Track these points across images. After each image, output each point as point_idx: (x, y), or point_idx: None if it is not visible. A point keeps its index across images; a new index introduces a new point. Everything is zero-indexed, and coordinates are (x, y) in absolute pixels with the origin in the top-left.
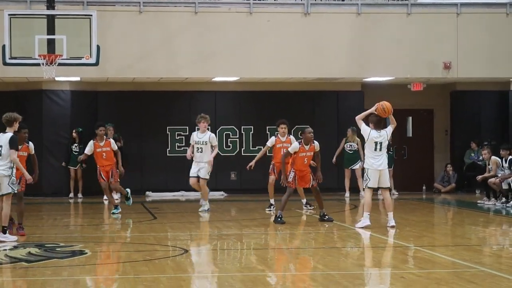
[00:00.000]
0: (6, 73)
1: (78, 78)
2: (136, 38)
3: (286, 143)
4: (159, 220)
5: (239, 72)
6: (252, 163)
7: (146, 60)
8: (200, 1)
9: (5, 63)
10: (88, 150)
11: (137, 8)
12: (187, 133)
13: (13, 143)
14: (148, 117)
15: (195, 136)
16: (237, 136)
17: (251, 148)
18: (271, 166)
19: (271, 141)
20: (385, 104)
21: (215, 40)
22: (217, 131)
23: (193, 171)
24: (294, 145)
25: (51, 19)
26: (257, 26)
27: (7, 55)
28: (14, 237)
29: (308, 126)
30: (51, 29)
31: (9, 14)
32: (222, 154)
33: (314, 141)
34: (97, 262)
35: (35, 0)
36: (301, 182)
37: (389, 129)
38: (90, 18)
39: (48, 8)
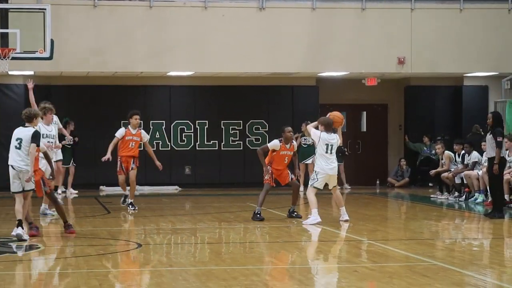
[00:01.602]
0: None
1: (31, 72)
2: (91, 32)
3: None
4: (112, 215)
5: (194, 66)
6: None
7: (100, 54)
8: None
9: None
10: None
11: (91, 2)
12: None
13: (35, 137)
14: (102, 112)
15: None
16: (192, 131)
17: (205, 143)
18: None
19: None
20: (336, 113)
21: (170, 35)
22: (172, 125)
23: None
24: (274, 142)
25: (4, 13)
26: (212, 21)
27: None
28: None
29: (287, 125)
30: (4, 23)
31: None
32: (176, 149)
33: (293, 140)
34: (50, 257)
35: None
36: (279, 179)
37: (339, 136)
38: (44, 12)
39: (1, 2)
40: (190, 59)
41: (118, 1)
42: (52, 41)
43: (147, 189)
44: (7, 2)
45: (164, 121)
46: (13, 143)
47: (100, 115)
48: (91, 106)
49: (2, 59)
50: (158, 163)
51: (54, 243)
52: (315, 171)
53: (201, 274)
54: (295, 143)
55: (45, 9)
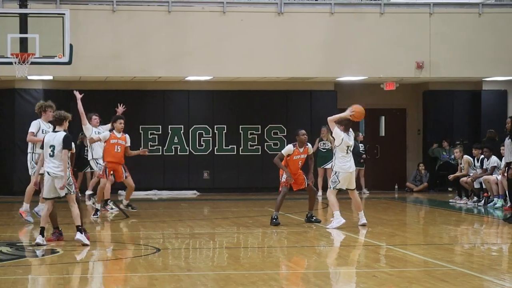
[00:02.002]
0: None
1: (50, 77)
2: (109, 37)
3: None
4: (131, 219)
5: (212, 71)
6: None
7: (119, 59)
8: (174, 0)
9: None
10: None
11: (110, 7)
12: (160, 132)
13: (67, 143)
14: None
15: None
16: (210, 135)
17: (224, 147)
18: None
19: (288, 149)
20: (360, 108)
21: (189, 39)
22: (190, 130)
23: None
24: (288, 148)
25: (23, 18)
26: (230, 26)
27: None
28: (87, 241)
29: (301, 128)
30: (23, 28)
31: None
32: (195, 153)
33: (308, 143)
34: (69, 261)
35: None
36: (294, 184)
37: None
38: (63, 17)
39: (20, 7)
40: (209, 64)
41: (136, 6)
42: (71, 46)
43: (165, 194)
44: (26, 7)
45: (182, 126)
46: (47, 150)
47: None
48: (110, 111)
49: (21, 64)
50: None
51: (72, 247)
52: (335, 172)
53: (220, 279)
54: (309, 146)
55: (64, 14)
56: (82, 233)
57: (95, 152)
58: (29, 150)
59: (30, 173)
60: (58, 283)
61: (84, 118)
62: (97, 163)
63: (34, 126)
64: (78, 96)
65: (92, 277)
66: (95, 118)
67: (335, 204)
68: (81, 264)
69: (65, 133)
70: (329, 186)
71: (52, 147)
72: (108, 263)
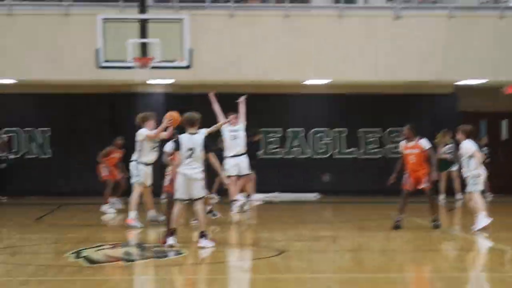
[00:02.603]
0: (100, 76)
1: (171, 81)
2: (228, 41)
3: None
4: (253, 221)
5: (331, 75)
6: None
7: (238, 63)
8: (291, 5)
9: (99, 66)
10: None
11: (228, 11)
12: (280, 135)
13: (207, 145)
14: None
15: None
16: (330, 139)
17: (343, 151)
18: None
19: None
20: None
21: (307, 43)
22: (310, 133)
23: None
24: (400, 143)
25: (144, 23)
26: (349, 29)
27: (101, 59)
28: (212, 243)
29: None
30: (144, 33)
31: (102, 19)
32: (315, 157)
33: (421, 138)
34: (194, 262)
35: (128, 5)
36: (414, 182)
37: None
38: (182, 22)
39: (140, 13)
40: (327, 68)
41: (254, 11)
42: (190, 50)
43: (287, 196)
44: (146, 13)
45: (302, 129)
46: (185, 153)
47: None
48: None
49: (142, 68)
50: None
51: (197, 249)
52: (475, 175)
53: (344, 281)
54: (422, 141)
55: (183, 18)
56: (205, 239)
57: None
58: (134, 157)
59: (132, 181)
60: (184, 284)
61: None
62: None
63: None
64: (213, 96)
65: (215, 279)
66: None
67: (481, 205)
68: (205, 266)
69: (203, 136)
70: (470, 189)
71: (191, 150)
72: (231, 265)
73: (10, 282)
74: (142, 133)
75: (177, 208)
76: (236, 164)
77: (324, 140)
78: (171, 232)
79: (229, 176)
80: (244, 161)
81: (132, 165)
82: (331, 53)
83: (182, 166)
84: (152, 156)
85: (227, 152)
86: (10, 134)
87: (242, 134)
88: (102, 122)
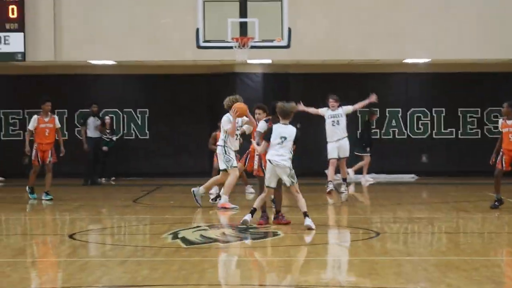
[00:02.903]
0: (200, 56)
1: (269, 61)
2: (327, 20)
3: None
4: (350, 203)
5: (430, 53)
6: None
7: (336, 42)
8: None
9: (199, 46)
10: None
11: None
12: (378, 115)
13: (298, 138)
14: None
15: None
16: (428, 119)
17: (442, 131)
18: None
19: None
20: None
21: (407, 20)
22: (408, 113)
23: None
24: (499, 122)
25: (243, 2)
26: (449, 4)
27: (201, 39)
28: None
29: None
30: (243, 12)
31: None
32: (413, 137)
33: None
34: (290, 244)
35: None
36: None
37: None
38: (281, 1)
39: None
40: (428, 46)
41: None
42: (289, 30)
43: (383, 177)
44: None
45: (400, 109)
46: (276, 140)
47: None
48: (328, 94)
49: (241, 48)
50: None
51: (292, 230)
52: None
53: (441, 264)
54: None
55: None
56: (309, 218)
57: None
58: (220, 142)
59: (223, 167)
60: (279, 265)
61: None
62: None
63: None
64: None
65: (313, 260)
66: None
67: None
68: (301, 247)
69: (296, 128)
70: None
71: (283, 138)
72: (329, 246)
73: (108, 262)
74: (226, 124)
75: (266, 194)
76: (336, 147)
77: (423, 120)
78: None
79: (330, 159)
80: (345, 144)
81: (220, 150)
82: (433, 30)
83: (270, 152)
84: (236, 143)
85: (329, 138)
86: (111, 115)
87: (343, 119)
88: (200, 103)
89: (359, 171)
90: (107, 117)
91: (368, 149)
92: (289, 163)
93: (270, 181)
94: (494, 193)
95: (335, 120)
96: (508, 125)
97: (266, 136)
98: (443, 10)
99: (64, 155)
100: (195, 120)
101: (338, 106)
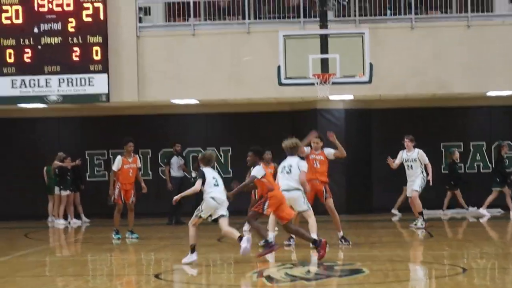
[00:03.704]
0: (282, 94)
1: (351, 97)
2: (409, 54)
3: None
4: (436, 238)
5: None
6: None
7: (419, 76)
8: (473, 14)
9: (280, 84)
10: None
11: (409, 24)
12: (462, 150)
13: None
14: (419, 134)
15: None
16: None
17: None
18: None
19: None
20: None
21: (489, 54)
22: (493, 146)
23: None
24: None
25: (324, 39)
26: None
27: (282, 76)
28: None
29: None
30: (324, 48)
31: (283, 35)
32: None
33: None
34: (376, 281)
35: (308, 21)
36: None
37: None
38: (362, 36)
39: (321, 28)
40: (510, 78)
41: (435, 22)
42: (370, 65)
43: (469, 212)
44: (326, 28)
45: (484, 143)
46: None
47: (418, 137)
48: (411, 129)
49: (323, 84)
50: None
51: (378, 267)
52: None
53: None
54: None
55: (363, 33)
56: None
57: None
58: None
59: (304, 208)
60: None
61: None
62: None
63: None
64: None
65: None
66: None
67: None
68: (386, 284)
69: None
70: None
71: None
72: (416, 283)
73: None
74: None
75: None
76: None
77: (509, 154)
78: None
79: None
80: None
81: (300, 193)
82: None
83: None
84: None
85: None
86: (194, 154)
87: (416, 163)
88: (283, 140)
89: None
90: (181, 160)
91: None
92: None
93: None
94: None
95: (408, 165)
96: None
97: None
98: None
99: (148, 194)
100: (278, 157)
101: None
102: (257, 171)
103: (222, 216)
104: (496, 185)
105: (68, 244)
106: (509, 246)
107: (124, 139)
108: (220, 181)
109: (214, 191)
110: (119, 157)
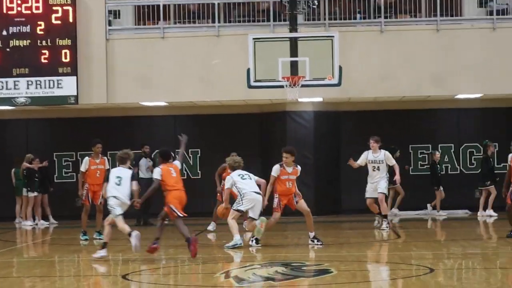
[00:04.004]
0: (251, 96)
1: (320, 99)
2: (378, 57)
3: None
4: (403, 239)
5: (482, 89)
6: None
7: (388, 79)
8: (442, 18)
9: (249, 86)
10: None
11: (378, 27)
12: (429, 151)
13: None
14: (388, 136)
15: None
16: (481, 154)
17: (496, 165)
18: None
19: None
20: None
21: (458, 57)
22: (461, 148)
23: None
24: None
25: (294, 42)
26: (501, 42)
27: (252, 78)
28: None
29: None
30: (294, 51)
31: (253, 38)
32: (466, 172)
33: None
34: (343, 281)
35: (278, 24)
36: None
37: None
38: (332, 40)
39: (291, 31)
40: (479, 82)
41: (404, 26)
42: (340, 68)
43: (437, 213)
44: (296, 31)
45: (452, 145)
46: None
47: (387, 139)
48: (379, 131)
49: (292, 87)
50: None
51: (345, 267)
52: None
53: None
54: None
55: (333, 36)
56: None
57: None
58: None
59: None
60: None
61: None
62: None
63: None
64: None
65: None
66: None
67: None
68: (354, 285)
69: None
70: None
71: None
72: (382, 283)
73: None
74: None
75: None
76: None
77: (476, 155)
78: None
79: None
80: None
81: None
82: (484, 66)
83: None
84: None
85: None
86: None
87: (382, 165)
88: (252, 142)
89: None
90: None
91: (488, 182)
92: None
93: None
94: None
95: (374, 166)
96: None
97: None
98: (496, 46)
99: None
100: (247, 159)
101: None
102: (157, 172)
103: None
104: (484, 185)
105: (36, 245)
106: (476, 246)
107: (93, 140)
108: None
109: (113, 190)
110: (86, 158)
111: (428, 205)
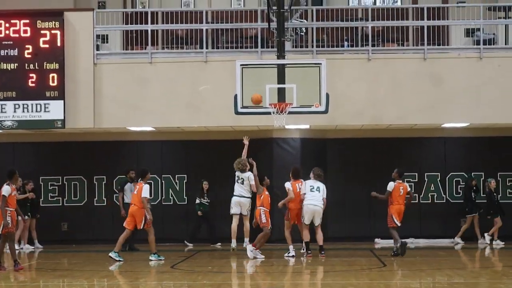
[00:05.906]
0: (238, 122)
1: (307, 126)
2: (365, 85)
3: None
4: (388, 268)
5: (469, 118)
6: None
7: (375, 107)
8: (430, 47)
9: (237, 112)
10: None
11: (365, 55)
12: (416, 180)
13: None
14: (375, 164)
15: None
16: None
17: (481, 195)
18: None
19: None
20: None
21: (445, 86)
22: (447, 177)
23: None
24: None
25: (281, 68)
26: (487, 71)
27: (239, 105)
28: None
29: None
30: (281, 78)
31: (241, 65)
32: (452, 201)
33: None
34: None
35: (266, 50)
36: None
37: None
38: (319, 67)
39: (278, 58)
40: (466, 110)
41: (392, 54)
42: (327, 95)
43: (422, 242)
44: (284, 58)
45: (439, 174)
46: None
47: (372, 167)
48: (366, 159)
49: (279, 114)
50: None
51: None
52: None
53: None
54: None
55: (320, 63)
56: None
57: None
58: None
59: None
60: None
61: None
62: None
63: None
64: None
65: None
66: None
67: None
68: None
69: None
70: None
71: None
72: None
73: None
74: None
75: None
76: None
77: (462, 184)
78: None
79: None
80: None
81: None
82: (471, 95)
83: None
84: None
85: None
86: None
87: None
88: None
89: None
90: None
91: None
92: None
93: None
94: None
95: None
96: None
97: None
98: (483, 74)
99: (104, 220)
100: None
101: None
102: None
103: None
104: (469, 213)
105: (22, 270)
106: (460, 275)
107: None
108: None
109: None
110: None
111: (486, 234)
